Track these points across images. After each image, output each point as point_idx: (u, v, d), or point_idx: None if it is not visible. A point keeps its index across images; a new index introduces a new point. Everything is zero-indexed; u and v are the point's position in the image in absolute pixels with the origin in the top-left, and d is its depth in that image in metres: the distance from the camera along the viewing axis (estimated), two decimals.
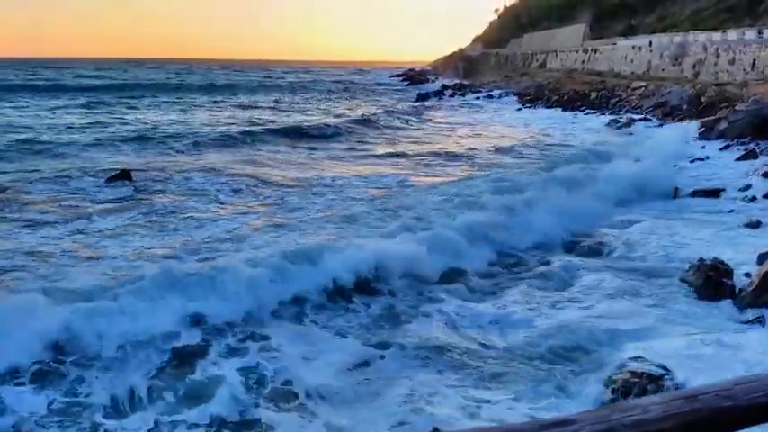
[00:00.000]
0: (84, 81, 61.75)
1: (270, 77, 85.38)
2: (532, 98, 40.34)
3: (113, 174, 14.30)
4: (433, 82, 70.76)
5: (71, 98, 39.91)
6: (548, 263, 8.83)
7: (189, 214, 11.38)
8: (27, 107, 34.08)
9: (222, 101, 43.88)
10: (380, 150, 20.66)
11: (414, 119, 32.40)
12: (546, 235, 9.93)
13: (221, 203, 12.53)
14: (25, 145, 19.14)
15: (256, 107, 39.22)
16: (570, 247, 9.64)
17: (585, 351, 6.13)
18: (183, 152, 19.04)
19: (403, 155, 19.30)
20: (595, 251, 9.40)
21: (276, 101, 45.04)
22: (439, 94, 51.95)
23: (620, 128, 24.08)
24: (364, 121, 29.37)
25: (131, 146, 19.93)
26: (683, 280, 7.66)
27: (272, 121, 29.26)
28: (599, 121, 26.80)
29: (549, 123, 27.83)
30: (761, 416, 1.58)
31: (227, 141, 21.34)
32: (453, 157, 19.06)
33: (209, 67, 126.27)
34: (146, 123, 27.42)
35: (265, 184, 14.26)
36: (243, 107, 39.02)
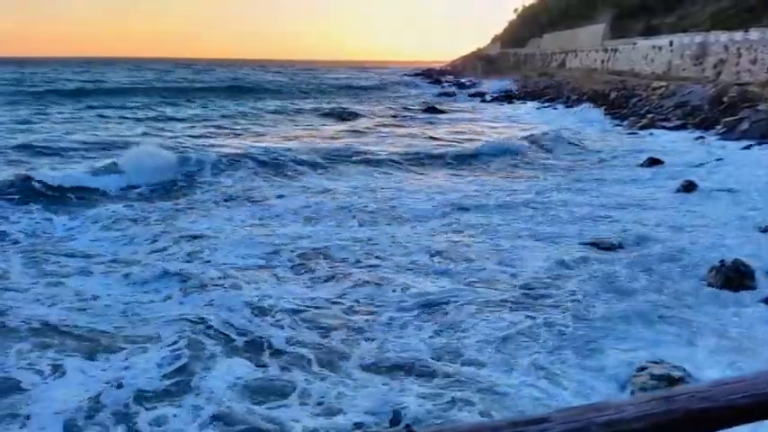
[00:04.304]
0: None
1: (314, 79, 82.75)
2: (552, 97, 40.22)
3: None
4: (451, 84, 70.47)
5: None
6: None
7: None
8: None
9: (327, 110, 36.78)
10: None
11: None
12: None
13: None
14: None
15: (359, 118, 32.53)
16: None
17: None
18: None
19: None
20: None
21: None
22: (457, 92, 52.13)
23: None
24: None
25: None
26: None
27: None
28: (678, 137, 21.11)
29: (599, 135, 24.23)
30: (741, 417, 1.57)
31: None
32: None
33: (230, 68, 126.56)
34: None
35: None
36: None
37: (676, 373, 5.28)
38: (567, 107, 35.39)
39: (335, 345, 6.29)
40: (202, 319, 6.76)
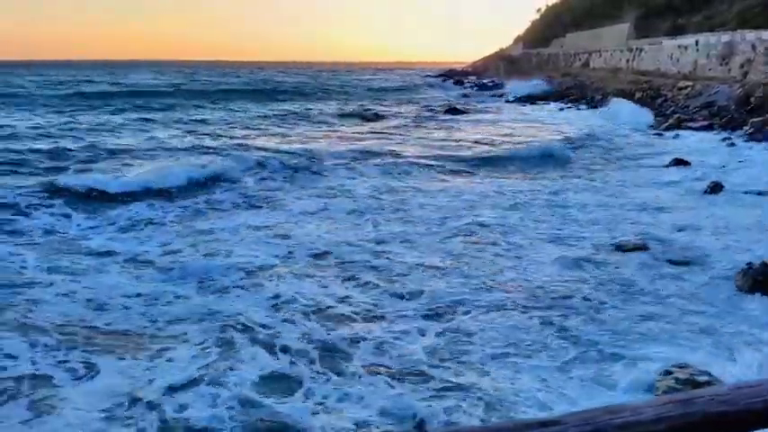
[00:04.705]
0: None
1: (336, 80, 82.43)
2: (575, 98, 39.92)
3: None
4: (473, 85, 70.25)
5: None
6: None
7: None
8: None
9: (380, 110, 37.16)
10: None
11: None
12: None
13: None
14: None
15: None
16: None
17: None
18: None
19: None
20: None
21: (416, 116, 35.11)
22: (480, 93, 51.99)
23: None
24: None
25: None
26: None
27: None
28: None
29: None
30: (760, 421, 1.56)
31: None
32: None
33: (253, 70, 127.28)
34: None
35: None
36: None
37: (702, 378, 5.22)
38: (590, 107, 35.12)
39: (344, 344, 6.32)
40: (223, 317, 6.86)
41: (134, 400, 5.19)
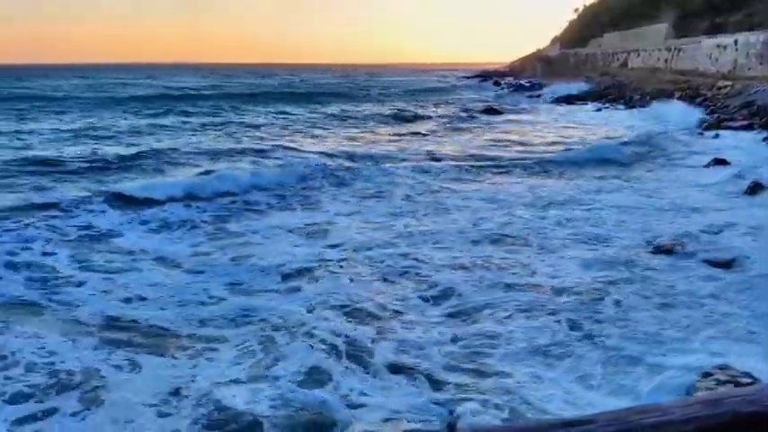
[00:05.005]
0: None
1: (374, 82, 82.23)
2: (614, 98, 39.45)
3: None
4: (510, 85, 69.86)
5: None
6: None
7: None
8: None
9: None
10: None
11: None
12: None
13: None
14: None
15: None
16: None
17: None
18: None
19: None
20: None
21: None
22: (517, 93, 51.73)
23: None
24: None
25: None
26: None
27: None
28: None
29: None
30: None
31: None
32: None
33: (291, 72, 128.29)
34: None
35: None
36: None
37: (744, 380, 5.12)
38: (629, 107, 34.69)
39: (371, 342, 6.40)
40: (258, 315, 7.03)
41: (179, 395, 5.35)
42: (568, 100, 43.02)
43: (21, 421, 5.01)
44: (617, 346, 6.26)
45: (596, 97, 41.64)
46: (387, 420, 5.03)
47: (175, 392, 5.40)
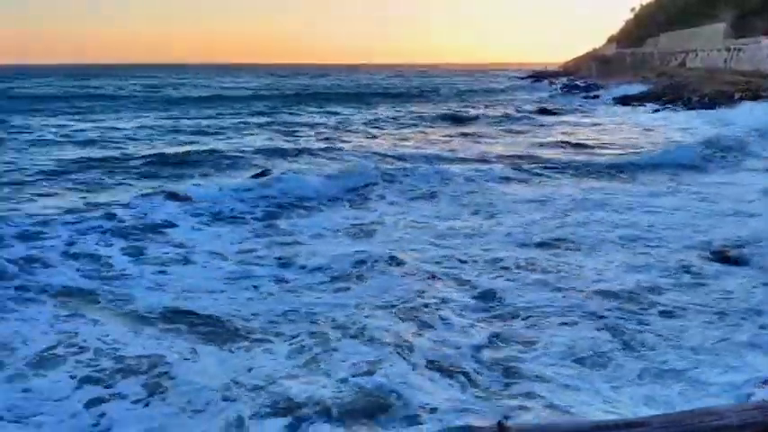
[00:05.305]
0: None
1: (428, 83, 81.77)
2: (671, 99, 38.60)
3: None
4: (565, 86, 68.93)
5: None
6: None
7: None
8: None
9: None
10: None
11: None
12: None
13: None
14: None
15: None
16: None
17: None
18: None
19: None
20: None
21: None
22: (571, 94, 51.11)
23: None
24: None
25: None
26: None
27: None
28: None
29: None
30: None
31: None
32: None
33: (345, 72, 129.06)
34: None
35: None
36: None
37: None
38: (687, 109, 33.91)
39: (415, 337, 6.51)
40: (309, 313, 7.22)
41: (239, 384, 5.57)
42: (624, 101, 42.24)
43: (89, 404, 5.30)
44: (660, 356, 6.09)
45: (654, 98, 40.76)
46: (433, 410, 5.15)
47: (235, 382, 5.61)
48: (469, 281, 8.32)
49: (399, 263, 9.02)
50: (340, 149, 20.38)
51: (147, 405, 5.28)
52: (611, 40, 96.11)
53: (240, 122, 31.52)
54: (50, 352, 6.21)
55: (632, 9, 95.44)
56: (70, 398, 5.39)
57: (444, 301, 7.60)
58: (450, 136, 26.17)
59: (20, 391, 5.47)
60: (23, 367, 5.88)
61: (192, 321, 7.03)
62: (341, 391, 5.43)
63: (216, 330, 6.82)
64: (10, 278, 8.23)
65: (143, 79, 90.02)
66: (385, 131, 28.01)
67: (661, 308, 7.30)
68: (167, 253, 9.72)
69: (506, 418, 5.00)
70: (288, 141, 23.80)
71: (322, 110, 40.16)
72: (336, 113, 37.58)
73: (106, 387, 5.56)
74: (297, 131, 27.90)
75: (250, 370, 5.88)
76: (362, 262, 9.07)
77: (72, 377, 5.73)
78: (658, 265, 8.83)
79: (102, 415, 5.14)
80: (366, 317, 7.06)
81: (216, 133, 27.03)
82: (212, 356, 6.17)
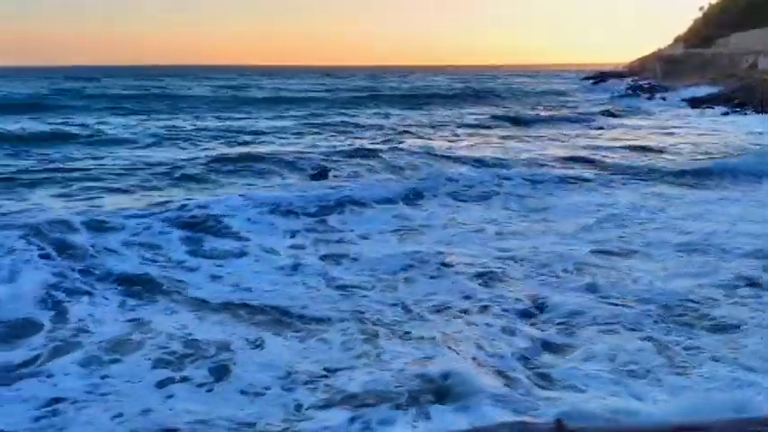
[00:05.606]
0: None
1: (486, 84, 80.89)
2: (741, 102, 37.44)
3: None
4: (629, 87, 67.44)
5: None
6: None
7: None
8: None
9: None
10: None
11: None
12: None
13: None
14: None
15: None
16: None
17: None
18: None
19: None
20: None
21: None
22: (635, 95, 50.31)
23: None
24: None
25: None
26: None
27: None
28: None
29: None
30: None
31: None
32: None
33: (401, 74, 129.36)
34: None
35: None
36: None
37: None
38: (758, 113, 32.81)
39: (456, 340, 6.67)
40: (357, 311, 7.50)
41: (298, 372, 5.93)
42: (692, 103, 41.20)
43: (160, 384, 5.74)
44: (707, 372, 5.85)
45: (723, 101, 39.57)
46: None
47: (294, 371, 5.97)
48: (518, 285, 8.38)
49: (448, 264, 9.18)
50: (397, 150, 20.56)
51: (210, 390, 5.68)
52: (677, 39, 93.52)
53: (299, 123, 32.13)
54: (123, 334, 6.78)
55: (701, 8, 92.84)
56: (144, 379, 5.83)
57: (491, 304, 7.71)
58: (508, 138, 26.06)
59: (98, 371, 5.97)
60: (97, 351, 6.37)
61: (251, 311, 7.49)
62: (403, 379, 5.69)
63: (273, 321, 7.22)
64: (81, 260, 8.97)
65: (209, 81, 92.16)
66: (442, 133, 28.06)
67: (713, 321, 7.02)
68: (225, 246, 10.27)
69: (561, 417, 5.08)
70: (345, 142, 24.13)
71: (380, 111, 40.50)
72: (394, 115, 37.85)
73: (175, 370, 6.00)
74: (354, 132, 28.24)
75: (307, 359, 6.22)
76: (412, 262, 9.27)
77: (147, 359, 6.22)
78: (722, 275, 8.47)
79: (171, 396, 5.55)
80: (413, 318, 7.31)
81: (276, 133, 27.65)
82: (272, 345, 6.56)
